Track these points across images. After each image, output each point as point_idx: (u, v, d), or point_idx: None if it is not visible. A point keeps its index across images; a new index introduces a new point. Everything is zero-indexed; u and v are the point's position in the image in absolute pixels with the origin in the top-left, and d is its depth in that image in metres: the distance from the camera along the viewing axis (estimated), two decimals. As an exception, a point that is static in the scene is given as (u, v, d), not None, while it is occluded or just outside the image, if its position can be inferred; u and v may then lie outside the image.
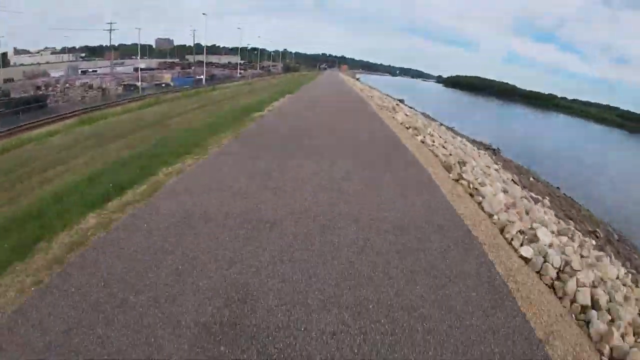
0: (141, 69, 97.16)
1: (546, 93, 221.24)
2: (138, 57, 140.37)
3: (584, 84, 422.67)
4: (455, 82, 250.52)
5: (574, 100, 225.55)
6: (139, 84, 52.65)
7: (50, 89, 48.48)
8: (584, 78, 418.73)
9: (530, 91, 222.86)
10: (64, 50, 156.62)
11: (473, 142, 23.82)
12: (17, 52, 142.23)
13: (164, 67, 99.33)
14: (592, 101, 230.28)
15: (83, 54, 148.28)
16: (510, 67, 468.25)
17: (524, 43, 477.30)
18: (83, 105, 36.49)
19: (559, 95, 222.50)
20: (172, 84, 59.23)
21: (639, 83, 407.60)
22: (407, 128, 15.44)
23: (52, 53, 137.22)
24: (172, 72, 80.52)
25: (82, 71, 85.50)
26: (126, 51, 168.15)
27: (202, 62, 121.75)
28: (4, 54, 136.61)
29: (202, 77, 65.88)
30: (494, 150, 24.99)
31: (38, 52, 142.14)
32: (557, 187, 19.93)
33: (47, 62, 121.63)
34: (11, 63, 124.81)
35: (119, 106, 30.92)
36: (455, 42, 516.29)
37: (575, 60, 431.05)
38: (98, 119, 20.39)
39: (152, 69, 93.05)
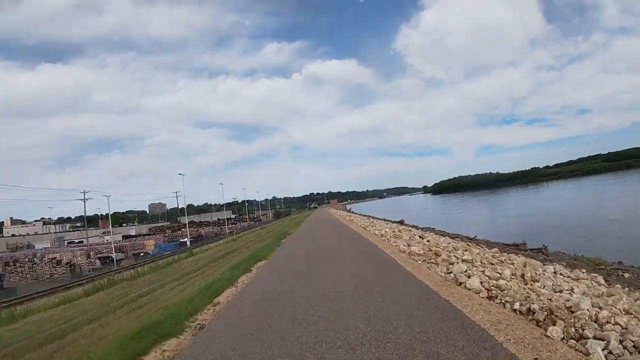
0: (129, 236, 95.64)
1: (529, 169, 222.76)
2: (136, 224, 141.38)
3: (561, 147, 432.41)
4: (441, 188, 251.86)
5: (557, 165, 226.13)
6: (114, 255, 48.50)
7: (17, 264, 45.40)
8: (559, 141, 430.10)
9: (514, 172, 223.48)
10: (60, 221, 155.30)
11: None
12: (13, 222, 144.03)
13: (154, 232, 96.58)
14: (574, 159, 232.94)
15: (78, 224, 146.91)
16: (488, 157, 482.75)
17: (491, 132, 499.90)
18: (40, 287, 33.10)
19: (541, 166, 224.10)
20: (150, 252, 55.04)
21: (606, 125, 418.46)
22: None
23: (44, 223, 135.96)
24: (157, 237, 76.67)
25: (68, 242, 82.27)
26: (117, 219, 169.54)
27: (193, 222, 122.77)
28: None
29: (186, 239, 62.15)
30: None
31: (31, 223, 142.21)
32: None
33: (36, 233, 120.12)
34: (4, 233, 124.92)
35: (62, 293, 26.47)
36: (429, 153, 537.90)
37: (542, 129, 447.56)
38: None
39: (142, 235, 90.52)
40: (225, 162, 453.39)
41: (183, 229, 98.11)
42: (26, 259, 46.98)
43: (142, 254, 52.73)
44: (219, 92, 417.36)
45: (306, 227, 39.57)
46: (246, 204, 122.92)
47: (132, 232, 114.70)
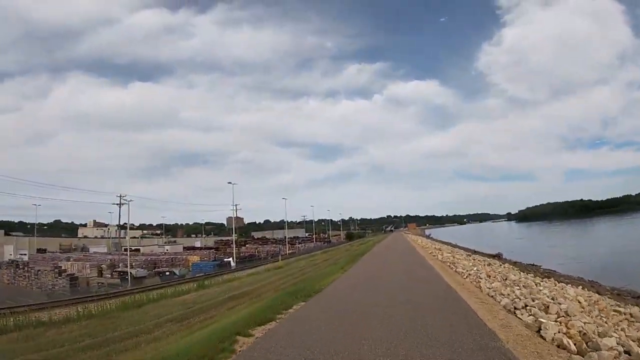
0: (191, 248, 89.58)
1: (621, 196, 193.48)
2: (203, 235, 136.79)
3: None
4: (526, 215, 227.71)
5: None
6: (134, 271, 40.47)
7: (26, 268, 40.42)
8: None
9: (605, 200, 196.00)
10: (142, 227, 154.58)
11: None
12: (95, 224, 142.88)
13: (220, 246, 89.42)
14: None
15: (158, 232, 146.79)
16: (574, 183, 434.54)
17: (578, 156, 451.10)
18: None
19: (634, 194, 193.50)
20: (178, 272, 44.31)
21: None
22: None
23: (120, 228, 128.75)
24: (207, 253, 68.09)
25: (125, 248, 77.16)
26: (193, 230, 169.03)
27: (265, 237, 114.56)
28: (81, 225, 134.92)
29: (229, 259, 52.55)
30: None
31: (106, 226, 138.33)
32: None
33: (95, 237, 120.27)
34: (78, 234, 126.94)
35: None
36: (512, 178, 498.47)
37: (634, 152, 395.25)
38: None
39: (207, 248, 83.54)
40: (304, 180, 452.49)
41: (248, 244, 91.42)
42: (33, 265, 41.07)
43: (167, 273, 42.65)
44: (300, 112, 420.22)
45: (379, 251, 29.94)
46: (313, 223, 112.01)
47: (198, 244, 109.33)
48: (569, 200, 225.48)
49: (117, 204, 45.01)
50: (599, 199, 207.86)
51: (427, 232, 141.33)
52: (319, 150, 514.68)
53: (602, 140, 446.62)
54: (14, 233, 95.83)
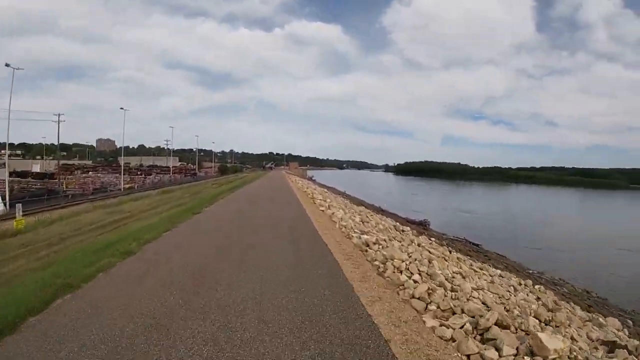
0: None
1: (503, 167, 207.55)
2: (45, 158, 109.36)
3: (525, 152, 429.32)
4: (406, 169, 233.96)
5: (531, 169, 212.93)
6: None
7: None
8: (522, 147, 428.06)
9: (485, 167, 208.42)
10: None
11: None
12: None
13: (62, 172, 67.34)
14: (537, 166, 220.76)
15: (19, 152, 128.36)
16: (451, 148, 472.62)
17: (458, 125, 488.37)
18: None
19: (503, 166, 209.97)
20: None
21: (570, 142, 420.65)
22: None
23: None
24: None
25: None
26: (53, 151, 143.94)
27: (130, 164, 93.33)
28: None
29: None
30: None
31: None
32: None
33: None
34: None
35: None
36: (394, 133, 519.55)
37: (507, 132, 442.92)
38: None
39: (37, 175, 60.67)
40: (189, 108, 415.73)
41: (91, 172, 69.91)
42: None
43: None
44: (193, 33, 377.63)
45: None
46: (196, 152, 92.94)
47: (37, 168, 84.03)
48: (447, 162, 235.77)
49: None
50: (479, 166, 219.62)
51: (309, 173, 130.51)
52: (209, 78, 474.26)
53: (481, 115, 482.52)
54: None
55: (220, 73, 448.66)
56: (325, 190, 40.35)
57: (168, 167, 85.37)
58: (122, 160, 57.22)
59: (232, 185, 39.82)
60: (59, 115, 49.14)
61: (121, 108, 53.32)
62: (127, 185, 50.03)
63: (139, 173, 71.27)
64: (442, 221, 34.31)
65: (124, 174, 62.95)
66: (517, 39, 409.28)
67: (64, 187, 40.58)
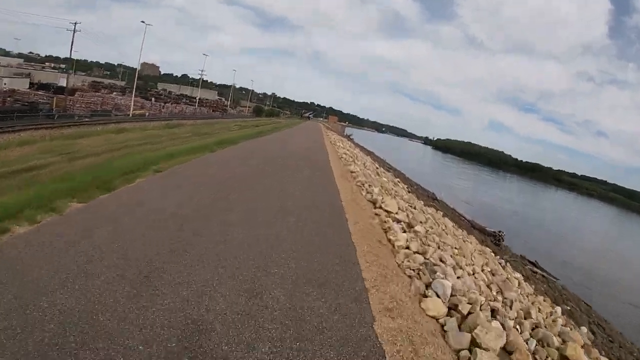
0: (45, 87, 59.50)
1: (545, 166, 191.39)
2: (80, 73, 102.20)
3: (570, 155, 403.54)
4: (446, 146, 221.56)
5: (573, 174, 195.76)
6: None
7: None
8: (566, 150, 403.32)
9: (527, 162, 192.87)
10: (49, 59, 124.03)
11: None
12: None
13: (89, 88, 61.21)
14: (578, 173, 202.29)
15: (63, 66, 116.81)
16: (495, 133, 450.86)
17: (506, 112, 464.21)
18: None
19: (554, 168, 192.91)
20: None
21: (615, 157, 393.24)
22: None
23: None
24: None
25: None
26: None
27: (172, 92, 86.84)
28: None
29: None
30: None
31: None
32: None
33: None
34: None
35: None
36: (440, 107, 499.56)
37: (555, 131, 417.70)
38: None
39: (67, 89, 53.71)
40: (241, 46, 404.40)
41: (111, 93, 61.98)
42: None
43: None
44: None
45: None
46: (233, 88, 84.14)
47: (63, 83, 76.82)
48: (490, 147, 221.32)
49: None
50: (522, 160, 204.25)
51: (347, 130, 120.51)
52: (263, 18, 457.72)
53: (533, 107, 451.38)
54: None
55: (277, 16, 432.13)
56: (373, 160, 31.08)
57: (200, 98, 77.43)
58: (134, 82, 48.38)
59: (256, 130, 31.38)
60: (74, 24, 40.81)
61: (142, 21, 44.58)
62: (137, 112, 42.24)
63: (166, 101, 63.63)
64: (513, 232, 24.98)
65: (149, 99, 55.69)
66: (585, 39, 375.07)
67: (53, 105, 32.90)
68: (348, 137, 71.63)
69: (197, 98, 71.25)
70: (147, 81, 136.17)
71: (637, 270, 27.34)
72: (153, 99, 61.62)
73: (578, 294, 15.40)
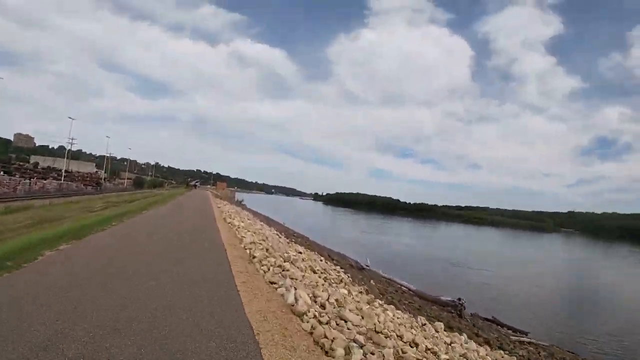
0: None
1: (432, 204, 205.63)
2: None
3: (451, 190, 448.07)
4: (337, 199, 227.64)
5: (458, 207, 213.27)
6: None
7: None
8: (447, 185, 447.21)
9: (415, 204, 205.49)
10: None
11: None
12: None
13: None
14: (462, 205, 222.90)
15: None
16: (379, 181, 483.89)
17: (387, 160, 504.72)
18: None
19: (440, 204, 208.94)
20: None
21: (492, 182, 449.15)
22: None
23: None
24: None
25: None
26: None
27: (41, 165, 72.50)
28: None
29: None
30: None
31: None
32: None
33: None
34: None
35: None
36: (325, 162, 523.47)
37: (433, 170, 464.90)
38: None
39: None
40: (119, 112, 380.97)
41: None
42: None
43: None
44: (136, 36, 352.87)
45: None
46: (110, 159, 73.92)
47: None
48: (377, 195, 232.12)
49: None
50: (409, 202, 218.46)
51: (237, 196, 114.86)
52: (144, 84, 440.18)
53: (410, 152, 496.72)
54: None
55: (157, 82, 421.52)
56: (278, 234, 25.76)
57: (73, 171, 67.10)
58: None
59: (125, 208, 24.91)
60: None
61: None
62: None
63: (31, 175, 52.94)
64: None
65: (13, 174, 45.95)
66: (451, 83, 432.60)
67: None
68: (239, 203, 66.51)
69: (63, 171, 61.05)
70: (20, 154, 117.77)
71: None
72: (17, 174, 50.76)
73: None
